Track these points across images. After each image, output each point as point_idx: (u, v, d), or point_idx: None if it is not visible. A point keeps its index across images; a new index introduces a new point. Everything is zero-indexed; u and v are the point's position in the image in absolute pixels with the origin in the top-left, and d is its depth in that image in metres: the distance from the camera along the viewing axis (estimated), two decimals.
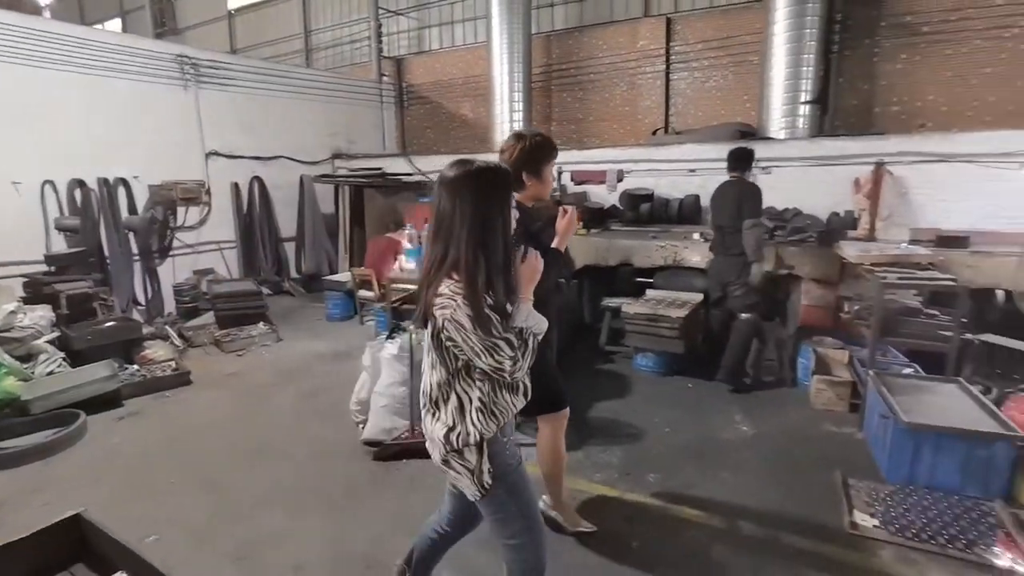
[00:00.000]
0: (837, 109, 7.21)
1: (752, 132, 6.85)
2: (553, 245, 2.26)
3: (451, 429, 1.64)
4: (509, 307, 1.61)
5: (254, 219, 8.12)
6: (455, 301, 1.50)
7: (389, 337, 4.01)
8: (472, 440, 1.63)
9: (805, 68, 6.54)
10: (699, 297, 5.12)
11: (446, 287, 1.52)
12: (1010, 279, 4.13)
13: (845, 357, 4.28)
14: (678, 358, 4.83)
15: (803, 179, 6.07)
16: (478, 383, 1.62)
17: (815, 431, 3.86)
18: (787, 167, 6.12)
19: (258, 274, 8.12)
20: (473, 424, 1.63)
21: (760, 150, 6.32)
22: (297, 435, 3.96)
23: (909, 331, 3.64)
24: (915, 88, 6.85)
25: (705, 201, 6.58)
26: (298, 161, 8.62)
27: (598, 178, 5.86)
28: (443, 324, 1.53)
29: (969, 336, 3.48)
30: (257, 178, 8.11)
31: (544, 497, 2.78)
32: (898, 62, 6.88)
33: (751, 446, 3.67)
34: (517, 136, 2.41)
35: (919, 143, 5.74)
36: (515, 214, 1.72)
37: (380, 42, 10.14)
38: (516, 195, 2.39)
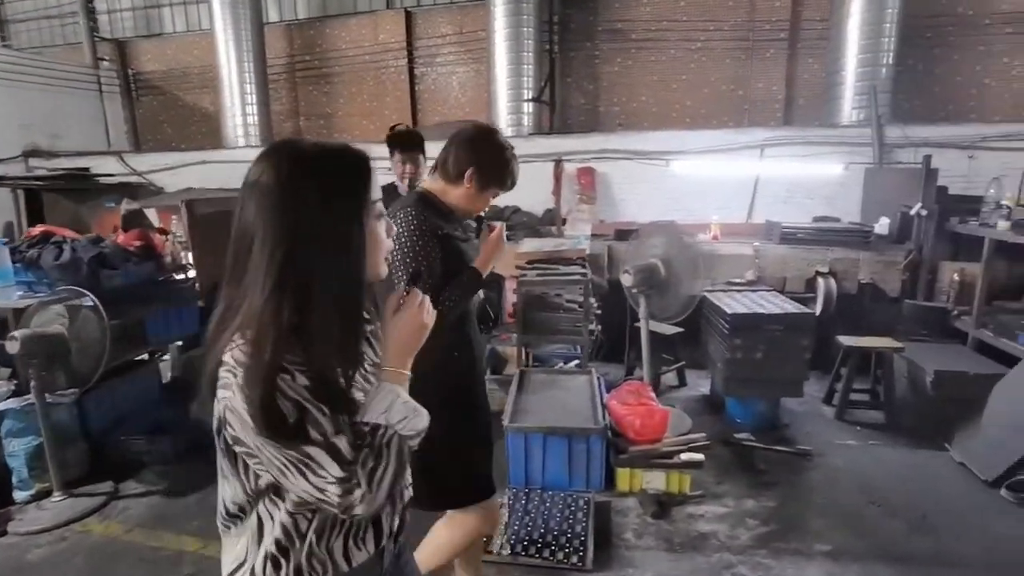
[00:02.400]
0: (567, 108, 7.51)
1: None
2: (475, 264, 1.80)
3: (236, 568, 1.00)
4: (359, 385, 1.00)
5: None
6: (236, 378, 0.86)
7: None
8: None
9: (526, 67, 6.66)
10: None
11: (229, 352, 0.89)
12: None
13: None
14: None
15: (524, 176, 6.13)
16: (287, 511, 0.95)
17: None
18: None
19: None
20: (263, 571, 0.97)
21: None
22: None
23: (550, 326, 3.67)
24: (631, 90, 7.34)
25: None
26: None
27: None
28: (224, 416, 0.89)
29: (592, 328, 3.58)
30: None
31: None
32: (615, 65, 7.33)
33: None
34: (494, 131, 1.88)
35: (618, 141, 6.11)
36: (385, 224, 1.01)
37: (93, 20, 8.63)
38: (434, 184, 1.81)
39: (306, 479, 0.86)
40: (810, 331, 3.55)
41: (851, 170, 5.48)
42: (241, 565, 0.99)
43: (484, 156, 1.78)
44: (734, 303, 3.75)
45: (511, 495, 2.97)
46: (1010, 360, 3.57)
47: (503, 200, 6.14)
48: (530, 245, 4.37)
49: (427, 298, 1.07)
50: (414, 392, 1.03)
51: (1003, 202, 3.81)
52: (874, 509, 2.92)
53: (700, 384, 4.50)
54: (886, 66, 5.82)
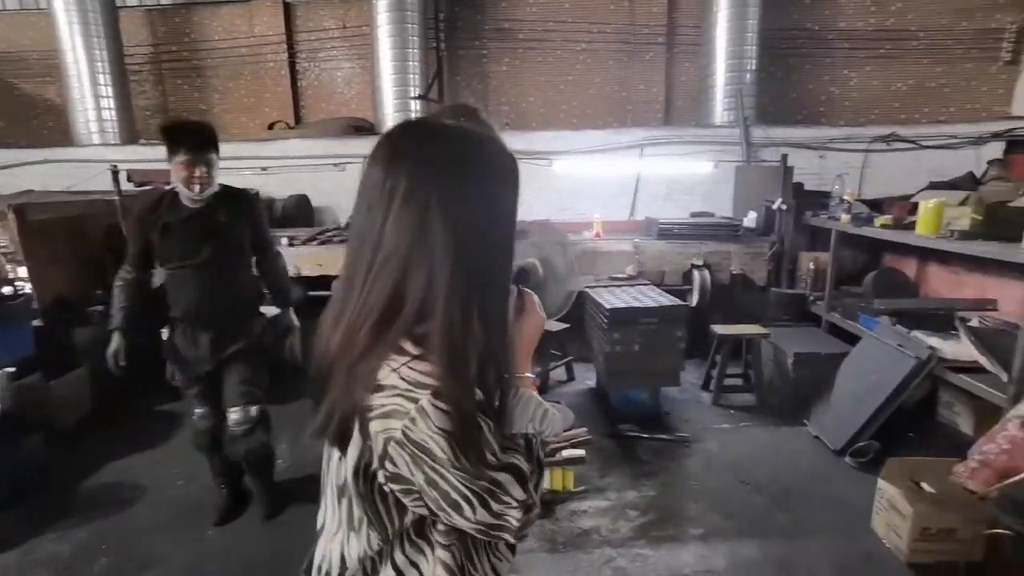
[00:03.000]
0: None
1: (368, 127, 6.60)
2: None
3: None
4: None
5: None
6: (416, 404, 0.71)
7: None
8: None
9: (412, 64, 6.49)
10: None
11: (393, 372, 0.73)
12: None
13: None
14: None
15: None
16: (441, 546, 0.83)
17: None
18: None
19: None
20: None
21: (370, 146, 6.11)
22: None
23: None
24: (520, 90, 7.40)
25: (320, 200, 6.16)
26: None
27: (162, 179, 4.88)
28: (385, 450, 0.73)
29: None
30: None
31: None
32: (503, 64, 7.35)
33: None
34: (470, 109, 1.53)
35: (504, 141, 6.11)
36: None
37: None
38: None
39: (488, 509, 0.75)
40: (684, 322, 3.71)
41: (723, 168, 5.84)
42: None
43: None
44: (613, 298, 3.85)
45: None
46: (855, 339, 3.94)
47: None
48: None
49: (536, 300, 1.03)
50: None
51: (844, 197, 4.20)
52: (742, 488, 3.10)
53: (588, 377, 4.60)
54: (750, 72, 6.27)
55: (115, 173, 4.87)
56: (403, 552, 0.83)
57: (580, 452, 3.03)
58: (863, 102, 7.11)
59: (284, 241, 5.03)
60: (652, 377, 3.78)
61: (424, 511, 0.78)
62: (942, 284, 4.24)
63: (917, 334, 3.46)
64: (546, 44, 7.20)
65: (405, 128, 0.84)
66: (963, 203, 3.34)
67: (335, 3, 7.36)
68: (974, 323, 3.26)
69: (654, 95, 7.24)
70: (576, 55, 7.23)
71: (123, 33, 7.06)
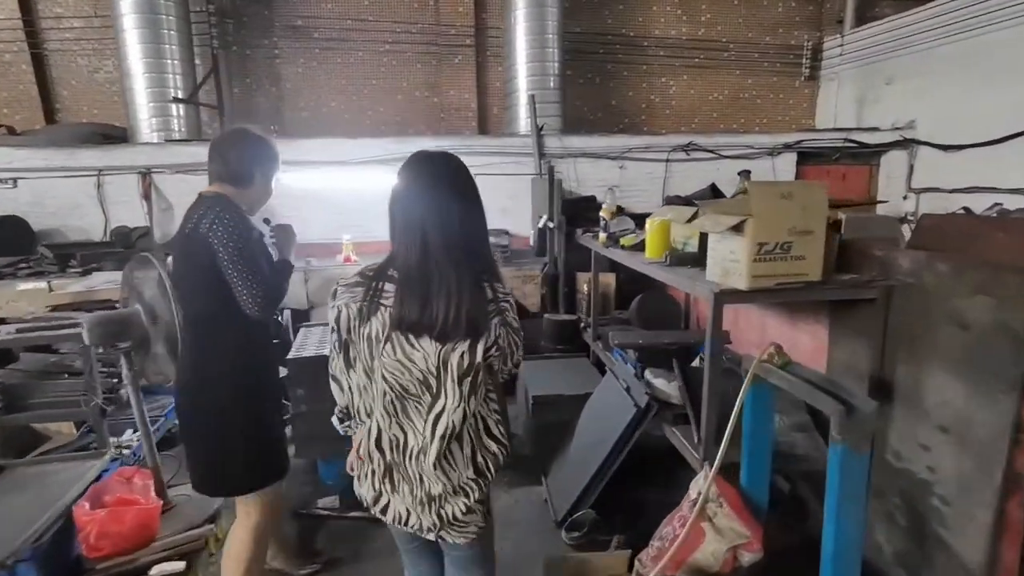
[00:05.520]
0: (251, 111, 6.53)
1: (119, 134, 5.57)
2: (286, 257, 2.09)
3: (480, 463, 1.47)
4: None
5: None
6: (507, 301, 1.42)
7: None
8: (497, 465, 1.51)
9: (170, 62, 5.55)
10: None
11: (491, 288, 1.39)
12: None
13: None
14: None
15: (176, 188, 5.13)
16: (495, 390, 1.51)
17: None
18: (159, 174, 5.08)
19: None
20: (498, 440, 1.50)
21: (124, 156, 5.18)
22: None
23: (38, 397, 2.70)
24: (319, 94, 6.62)
25: (48, 222, 5.07)
26: None
27: None
28: (499, 331, 1.39)
29: (95, 401, 2.68)
30: None
31: None
32: (299, 66, 6.55)
33: None
34: (246, 130, 1.98)
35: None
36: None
37: None
38: (224, 190, 1.88)
39: (521, 348, 1.50)
40: None
41: (524, 180, 5.34)
42: (475, 456, 1.46)
43: (258, 155, 1.93)
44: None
45: None
46: None
47: (133, 220, 5.05)
48: (86, 283, 3.34)
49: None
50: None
51: (601, 213, 3.72)
52: None
53: None
54: (554, 76, 5.84)
55: None
56: (482, 399, 1.45)
57: (178, 566, 2.27)
58: (683, 111, 6.92)
59: None
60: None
61: (502, 365, 1.47)
62: (708, 309, 3.86)
63: (648, 374, 2.97)
64: (346, 44, 6.48)
65: (433, 157, 1.44)
66: (690, 220, 2.91)
67: None
68: (696, 362, 2.82)
69: (466, 101, 6.69)
70: (380, 57, 6.55)
71: None
